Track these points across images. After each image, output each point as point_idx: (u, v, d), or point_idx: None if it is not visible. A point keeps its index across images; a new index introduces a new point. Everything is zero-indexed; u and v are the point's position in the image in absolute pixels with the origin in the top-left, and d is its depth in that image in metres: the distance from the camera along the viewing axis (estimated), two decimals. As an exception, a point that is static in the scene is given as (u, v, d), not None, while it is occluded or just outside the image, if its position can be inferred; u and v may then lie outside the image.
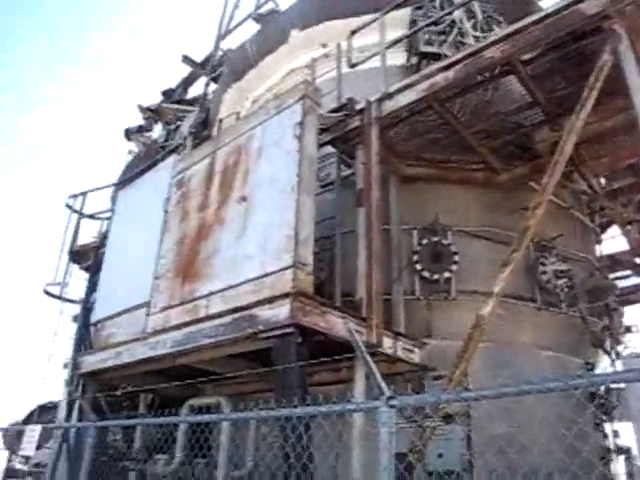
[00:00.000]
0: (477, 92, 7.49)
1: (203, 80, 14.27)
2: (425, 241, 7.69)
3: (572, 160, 7.96)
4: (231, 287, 6.21)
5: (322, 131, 7.47)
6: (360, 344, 3.70)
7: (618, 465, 7.64)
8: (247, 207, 6.52)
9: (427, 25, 8.36)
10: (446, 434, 6.61)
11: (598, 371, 7.93)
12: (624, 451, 7.67)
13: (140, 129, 15.77)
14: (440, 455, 6.57)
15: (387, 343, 6.25)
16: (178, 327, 6.77)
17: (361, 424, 5.85)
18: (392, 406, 3.58)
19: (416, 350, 6.74)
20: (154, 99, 16.19)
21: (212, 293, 6.47)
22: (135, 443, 8.69)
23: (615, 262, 10.58)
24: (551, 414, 6.71)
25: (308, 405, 4.44)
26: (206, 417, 5.63)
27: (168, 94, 15.81)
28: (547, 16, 6.31)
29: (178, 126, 13.64)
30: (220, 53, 13.75)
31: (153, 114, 15.52)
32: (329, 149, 8.25)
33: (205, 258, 6.83)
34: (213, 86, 13.45)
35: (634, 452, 7.52)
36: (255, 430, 7.52)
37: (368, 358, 3.69)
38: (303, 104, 6.44)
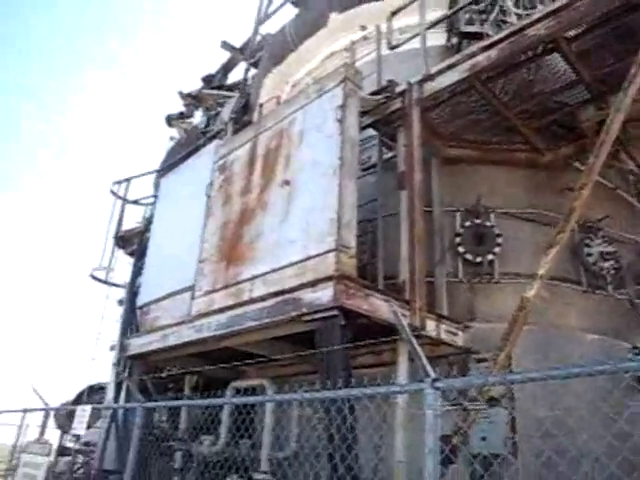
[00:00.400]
0: (520, 71, 7.35)
1: (243, 65, 14.34)
2: (468, 223, 7.62)
3: (619, 139, 7.75)
4: (274, 270, 6.28)
5: (363, 114, 7.44)
6: (405, 326, 3.72)
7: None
8: (289, 191, 6.56)
9: (468, 4, 8.20)
10: (490, 417, 6.59)
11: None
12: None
13: (181, 115, 15.95)
14: (484, 438, 6.57)
15: (430, 326, 6.24)
16: (222, 310, 6.89)
17: (405, 406, 5.88)
18: (437, 388, 3.59)
19: (459, 333, 6.71)
20: (194, 85, 16.34)
21: (255, 277, 6.56)
22: (181, 424, 8.91)
23: (664, 244, 10.29)
24: (599, 397, 6.62)
25: (352, 387, 4.49)
26: (251, 399, 5.76)
27: (208, 80, 15.92)
28: (594, -10, 6.14)
29: (218, 112, 13.75)
30: (259, 38, 13.77)
31: (193, 100, 15.67)
32: (370, 132, 8.22)
33: (248, 242, 6.91)
34: (253, 71, 13.49)
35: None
36: (298, 412, 7.64)
37: (413, 340, 3.71)
38: (344, 87, 6.44)
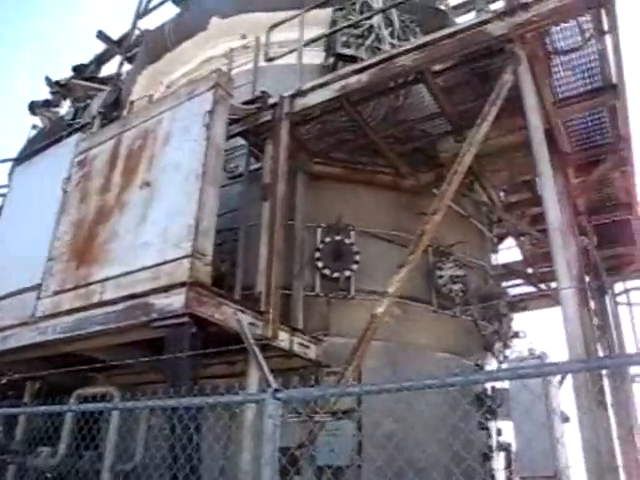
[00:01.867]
0: (389, 97, 7.69)
1: (118, 59, 13.78)
2: (328, 239, 7.77)
3: (473, 171, 8.33)
4: (127, 274, 6.04)
5: (233, 122, 7.43)
6: (248, 334, 3.70)
7: (499, 460, 8.06)
8: (150, 193, 6.37)
9: (346, 27, 8.48)
10: (337, 430, 6.74)
11: (485, 369, 8.30)
12: (505, 447, 8.10)
13: (47, 103, 14.98)
14: (332, 450, 6.70)
15: (283, 337, 6.28)
16: (69, 312, 6.52)
17: (252, 418, 5.86)
18: (278, 398, 3.60)
19: (312, 346, 6.81)
20: (64, 74, 15.45)
21: (107, 279, 6.27)
22: (17, 435, 8.26)
23: (510, 271, 11.15)
24: (440, 415, 6.98)
25: (195, 396, 4.40)
26: (90, 406, 5.44)
27: (79, 70, 15.11)
28: (458, 32, 6.60)
29: (88, 104, 13.06)
30: (137, 33, 13.32)
31: (62, 89, 14.78)
32: (240, 141, 8.20)
33: (103, 243, 6.61)
34: (127, 67, 13.01)
35: (513, 448, 7.96)
36: (145, 423, 7.37)
37: (256, 349, 3.70)
38: (214, 93, 6.37)
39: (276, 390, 3.61)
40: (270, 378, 3.62)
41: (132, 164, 6.80)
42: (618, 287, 11.45)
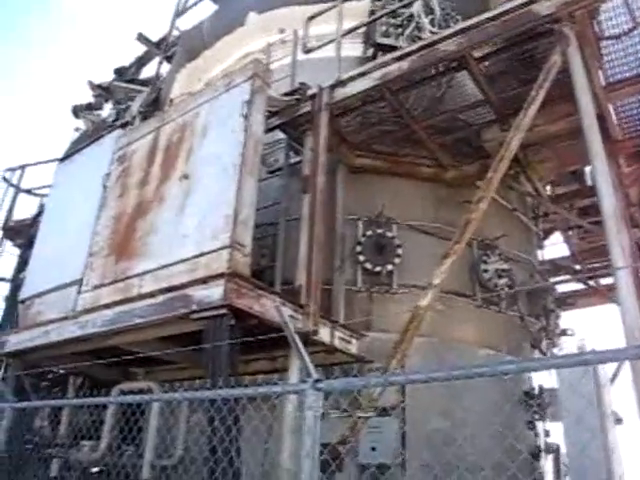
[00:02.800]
0: (430, 86, 7.47)
1: (157, 60, 13.87)
2: (369, 232, 7.61)
3: (519, 162, 8.06)
4: (165, 266, 5.98)
5: (272, 115, 7.33)
6: (289, 323, 3.56)
7: (547, 463, 7.74)
8: (188, 185, 6.30)
9: (385, 16, 8.30)
10: (380, 427, 6.55)
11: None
12: (553, 450, 7.77)
13: (89, 107, 15.19)
14: (373, 449, 6.51)
15: (324, 332, 6.13)
16: (109, 306, 6.50)
17: (292, 411, 5.73)
18: (318, 389, 3.45)
19: (354, 341, 6.64)
20: (106, 77, 15.66)
21: (146, 272, 6.22)
22: (60, 429, 8.32)
23: (555, 267, 10.77)
24: (488, 413, 6.75)
25: (233, 387, 4.28)
26: (129, 397, 5.39)
27: (121, 72, 15.28)
28: (502, 14, 6.34)
29: (129, 106, 13.19)
30: (176, 33, 13.39)
31: (104, 92, 14.98)
32: (279, 135, 8.11)
33: (141, 236, 6.57)
34: (167, 67, 13.08)
35: (562, 451, 7.63)
36: (185, 420, 7.32)
37: (296, 337, 3.55)
38: (252, 83, 6.27)
39: (317, 380, 3.46)
40: (311, 367, 3.45)
41: (171, 157, 6.75)
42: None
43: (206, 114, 6.59)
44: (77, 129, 15.00)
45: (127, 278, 6.43)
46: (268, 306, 5.44)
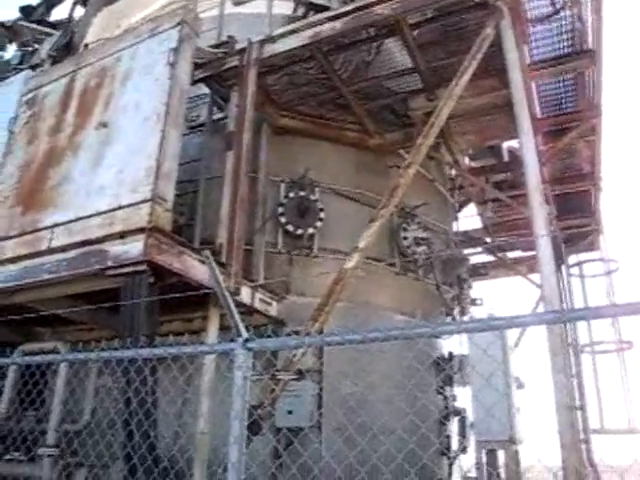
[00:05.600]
0: (360, 50, 7.40)
1: (70, 1, 12.92)
2: (292, 194, 7.49)
3: (442, 132, 8.16)
4: (80, 219, 5.63)
5: (197, 67, 7.00)
6: (219, 276, 3.41)
7: (453, 425, 8.07)
8: (106, 134, 5.93)
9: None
10: (297, 391, 6.56)
11: (443, 337, 8.25)
12: (459, 413, 8.11)
13: (-10, 46, 13.99)
14: (290, 412, 6.52)
15: (245, 293, 6.03)
16: (14, 260, 6.08)
17: (212, 372, 5.63)
18: (249, 349, 3.34)
19: (274, 303, 6.58)
20: (10, 15, 14.45)
21: (57, 225, 5.84)
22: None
23: (469, 239, 11.12)
24: (400, 378, 6.90)
25: (155, 347, 4.09)
26: (37, 358, 5.05)
27: (27, 11, 14.08)
28: (439, -19, 6.30)
29: (36, 49, 12.25)
30: (92, -26, 12.47)
31: (7, 32, 13.80)
32: (202, 90, 7.80)
33: (53, 186, 6.15)
34: (81, 11, 12.21)
35: (468, 414, 7.97)
36: (94, 382, 7.04)
37: (228, 296, 3.40)
38: (180, 30, 5.95)
39: (247, 340, 3.35)
40: (241, 326, 3.33)
41: (87, 103, 6.32)
42: (571, 259, 11.55)
43: (129, 60, 6.20)
44: (-24, 70, 13.81)
45: (36, 230, 6.01)
46: (190, 264, 5.26)
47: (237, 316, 3.46)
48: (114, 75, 6.25)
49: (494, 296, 12.11)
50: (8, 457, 6.56)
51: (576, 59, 7.36)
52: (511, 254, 12.64)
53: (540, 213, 5.00)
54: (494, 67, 7.00)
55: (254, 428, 4.50)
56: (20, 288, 6.04)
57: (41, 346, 7.13)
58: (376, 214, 5.58)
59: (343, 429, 6.10)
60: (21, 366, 6.79)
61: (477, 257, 12.09)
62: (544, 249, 4.70)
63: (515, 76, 5.86)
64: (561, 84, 8.20)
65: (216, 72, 7.11)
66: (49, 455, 6.30)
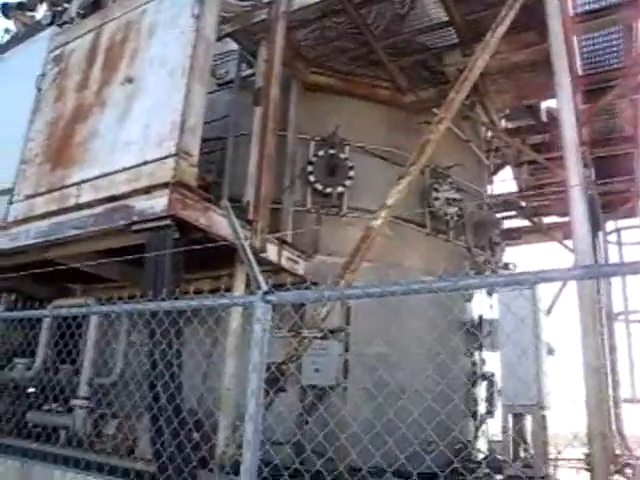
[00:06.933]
0: (394, 2, 7.15)
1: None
2: (321, 153, 7.35)
3: (477, 90, 7.88)
4: (106, 175, 5.60)
5: (224, 22, 6.84)
6: (239, 232, 3.33)
7: (481, 389, 7.97)
8: (132, 89, 5.84)
9: None
10: (324, 349, 6.52)
11: (474, 301, 8.11)
12: (488, 377, 8.00)
13: (21, 6, 13.97)
14: (317, 370, 6.50)
15: (272, 250, 5.95)
16: (43, 217, 6.12)
17: (239, 329, 5.61)
18: (268, 301, 3.27)
19: (301, 262, 6.50)
20: (41, -24, 14.37)
21: (84, 181, 5.83)
22: (-9, 348, 7.98)
23: (503, 202, 10.84)
24: (431, 340, 6.80)
25: (177, 299, 4.07)
26: (64, 310, 5.12)
27: (58, -29, 14.07)
28: None
29: (66, 8, 12.20)
30: None
31: (38, -8, 13.78)
32: (231, 46, 7.64)
33: (80, 143, 6.12)
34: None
35: (496, 378, 7.86)
36: (125, 337, 7.13)
37: (248, 250, 3.33)
38: (205, -20, 5.76)
39: (266, 292, 3.28)
40: (261, 279, 3.26)
41: (113, 59, 6.23)
42: (609, 226, 11.15)
43: (153, 12, 6.07)
44: (7, 31, 13.84)
45: (64, 187, 6.02)
46: (215, 220, 5.19)
47: (257, 268, 3.39)
48: (139, 29, 6.13)
49: (527, 262, 11.81)
50: (46, 407, 6.75)
51: (624, 9, 6.93)
52: (546, 220, 12.32)
53: (574, 172, 4.76)
54: (534, 20, 6.66)
55: (275, 385, 4.45)
56: (50, 244, 6.10)
57: (73, 301, 7.25)
58: (405, 171, 5.41)
59: (369, 390, 6.07)
60: (56, 319, 6.91)
61: (511, 222, 11.82)
62: (578, 204, 4.48)
63: (555, 27, 5.55)
64: (605, 38, 7.76)
65: (244, 26, 6.93)
66: (81, 407, 6.45)
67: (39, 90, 7.02)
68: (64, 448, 6.11)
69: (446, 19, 7.11)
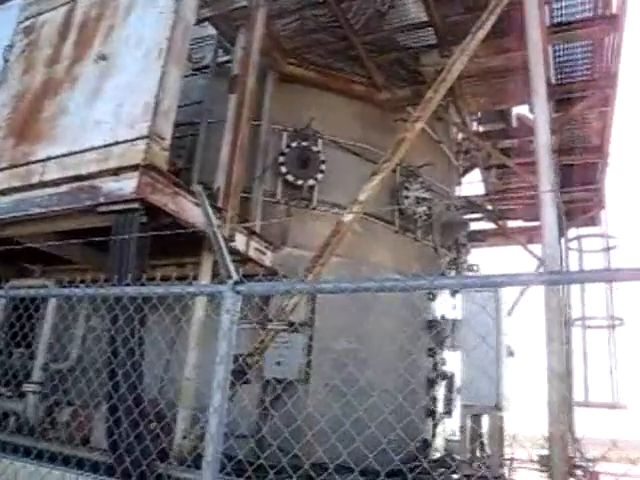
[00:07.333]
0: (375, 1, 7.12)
1: None
2: (294, 144, 7.31)
3: (453, 92, 7.93)
4: (73, 153, 5.42)
5: (204, 5, 6.70)
6: (211, 215, 3.26)
7: (440, 389, 8.06)
8: (106, 67, 5.67)
9: None
10: (288, 343, 6.48)
11: (437, 301, 8.18)
12: (448, 377, 8.09)
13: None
14: (278, 363, 6.46)
15: (240, 240, 5.88)
16: (4, 192, 5.90)
17: (202, 319, 5.53)
18: (238, 292, 3.21)
19: (269, 253, 6.44)
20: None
21: (50, 158, 5.63)
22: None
23: (470, 204, 10.95)
24: (393, 339, 6.84)
25: (143, 285, 3.97)
26: (22, 291, 4.94)
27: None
28: None
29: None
30: None
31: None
32: (208, 31, 7.52)
33: (48, 119, 5.92)
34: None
35: (456, 378, 7.96)
36: (84, 321, 6.97)
37: (220, 237, 3.25)
38: (186, -40, 5.63)
39: (236, 282, 3.22)
40: (232, 269, 3.20)
41: (87, 34, 6.05)
42: (571, 234, 11.38)
43: (131, -10, 5.90)
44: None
45: (28, 163, 5.81)
46: (184, 205, 5.09)
47: (228, 257, 3.32)
48: (117, 6, 5.95)
49: (491, 264, 11.97)
50: (-3, 392, 6.53)
51: (597, 24, 7.06)
52: (511, 223, 12.51)
53: (546, 176, 4.82)
54: (512, 27, 6.74)
55: (239, 377, 4.40)
56: (11, 221, 5.87)
57: (30, 282, 7.03)
58: (378, 167, 5.41)
59: (331, 383, 6.05)
60: (13, 300, 6.67)
61: (477, 224, 11.96)
62: (548, 209, 4.54)
63: (534, 35, 5.60)
64: (578, 50, 7.90)
65: (223, 11, 6.80)
66: (34, 392, 6.26)
67: (6, 61, 6.78)
68: (14, 435, 5.93)
69: (426, 19, 7.14)
